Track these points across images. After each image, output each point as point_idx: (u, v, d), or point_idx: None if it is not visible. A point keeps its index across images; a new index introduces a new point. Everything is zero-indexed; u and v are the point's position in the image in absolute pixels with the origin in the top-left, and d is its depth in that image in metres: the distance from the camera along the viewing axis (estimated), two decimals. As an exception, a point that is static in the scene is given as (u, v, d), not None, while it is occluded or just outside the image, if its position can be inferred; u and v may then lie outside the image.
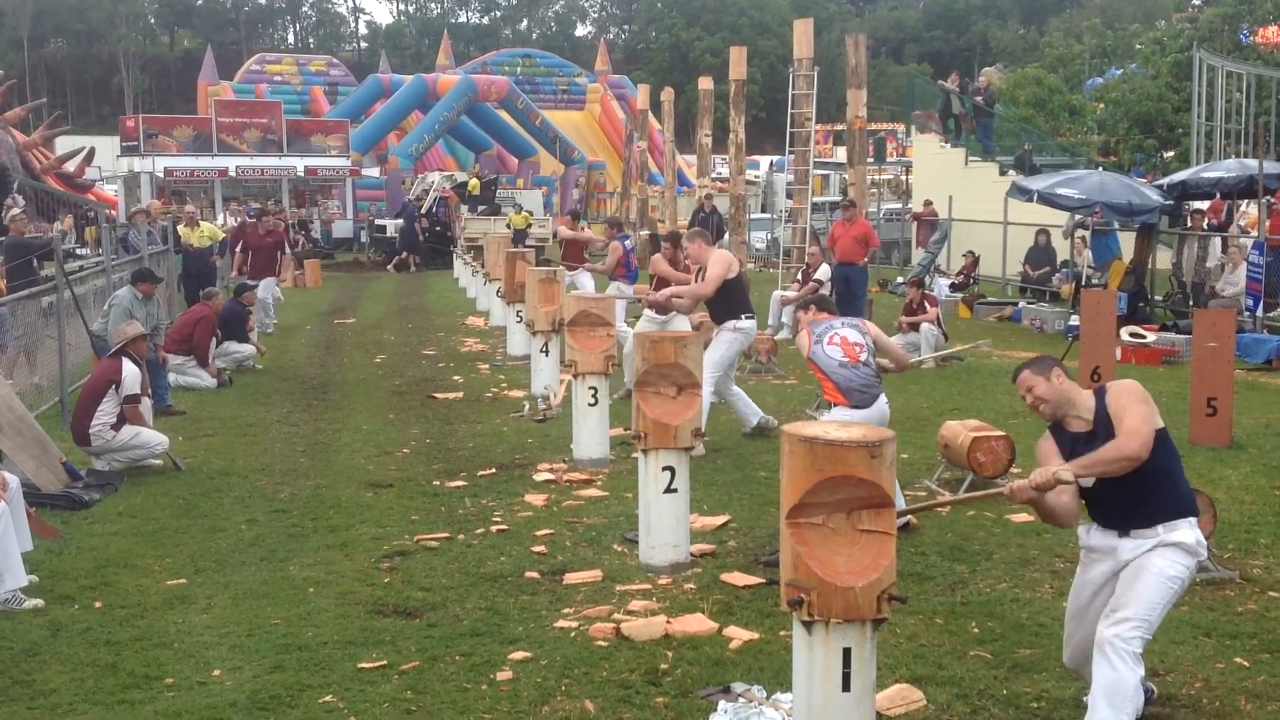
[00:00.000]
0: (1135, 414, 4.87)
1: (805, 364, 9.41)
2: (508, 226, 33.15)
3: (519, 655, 6.07)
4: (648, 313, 12.12)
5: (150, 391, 11.52)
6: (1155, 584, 4.84)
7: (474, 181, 35.68)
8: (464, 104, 46.66)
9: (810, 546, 4.44)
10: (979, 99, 30.01)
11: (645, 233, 29.95)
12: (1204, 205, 21.89)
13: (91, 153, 31.30)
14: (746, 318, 10.82)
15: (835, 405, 7.99)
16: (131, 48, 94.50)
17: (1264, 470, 9.63)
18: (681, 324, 11.79)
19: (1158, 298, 19.98)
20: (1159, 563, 4.88)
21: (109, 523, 8.68)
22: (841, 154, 40.80)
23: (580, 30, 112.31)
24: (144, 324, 11.73)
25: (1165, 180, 21.17)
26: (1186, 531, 4.91)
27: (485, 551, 7.87)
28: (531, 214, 34.46)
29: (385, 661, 6.02)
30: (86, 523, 8.66)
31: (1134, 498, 4.91)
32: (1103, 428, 4.95)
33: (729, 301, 10.77)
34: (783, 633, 6.14)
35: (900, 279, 24.91)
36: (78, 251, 21.92)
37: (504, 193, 40.13)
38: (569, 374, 10.27)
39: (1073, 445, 5.02)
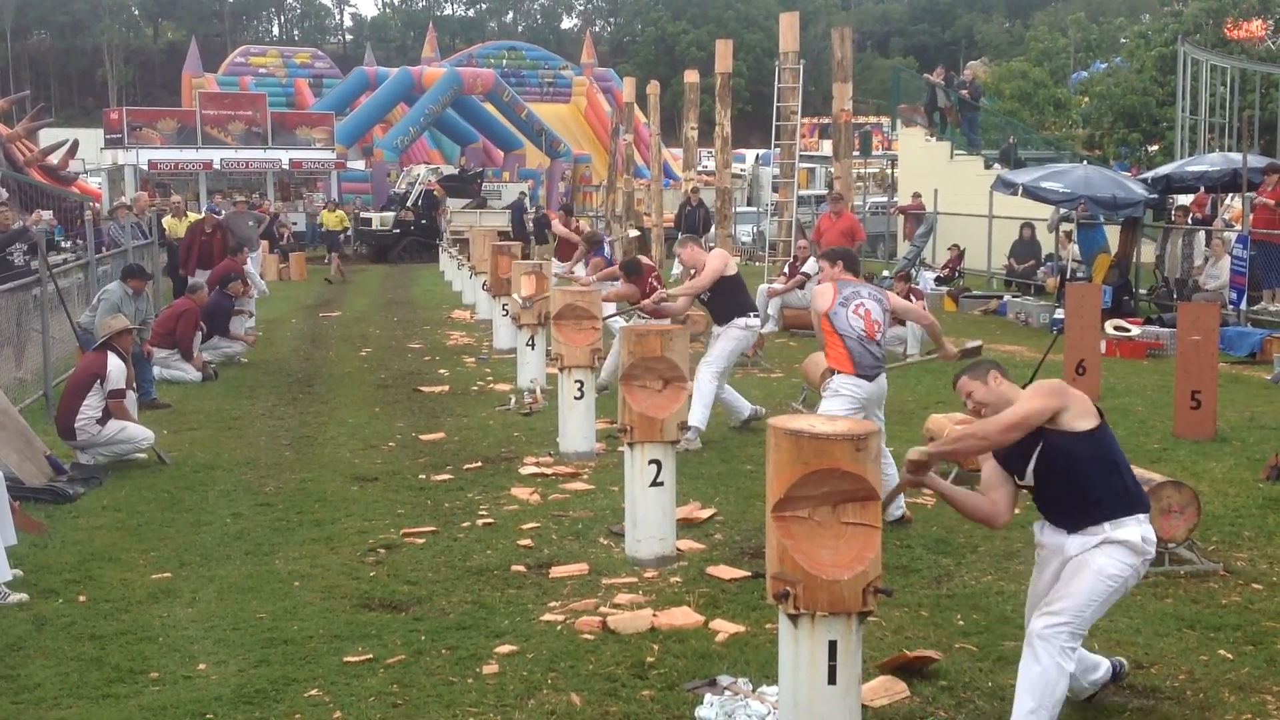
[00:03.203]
0: (1018, 404, 4.90)
1: (797, 347, 9.44)
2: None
3: (505, 649, 6.07)
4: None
5: (135, 385, 11.48)
6: (1092, 581, 4.83)
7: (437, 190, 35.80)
8: (449, 96, 46.59)
9: (796, 540, 4.45)
10: (964, 92, 30.04)
11: (633, 231, 29.89)
12: (1188, 199, 21.96)
13: (75, 145, 31.10)
14: (755, 316, 10.85)
15: (840, 373, 7.97)
16: (115, 39, 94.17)
17: (1247, 463, 9.66)
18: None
19: (1142, 291, 20.04)
20: (1100, 560, 4.85)
21: (93, 516, 8.65)
22: (827, 147, 40.80)
23: (566, 23, 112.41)
24: (132, 319, 11.68)
25: (1150, 174, 21.25)
26: (1133, 529, 4.88)
27: (471, 545, 7.86)
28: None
29: (371, 655, 6.02)
30: (71, 516, 8.63)
31: (1074, 496, 4.91)
32: None
33: (731, 299, 10.76)
34: (769, 626, 6.14)
35: (886, 272, 24.95)
36: (62, 245, 21.80)
37: (490, 186, 40.09)
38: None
39: (1006, 448, 5.02)
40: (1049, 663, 4.77)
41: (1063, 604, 4.83)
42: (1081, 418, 4.89)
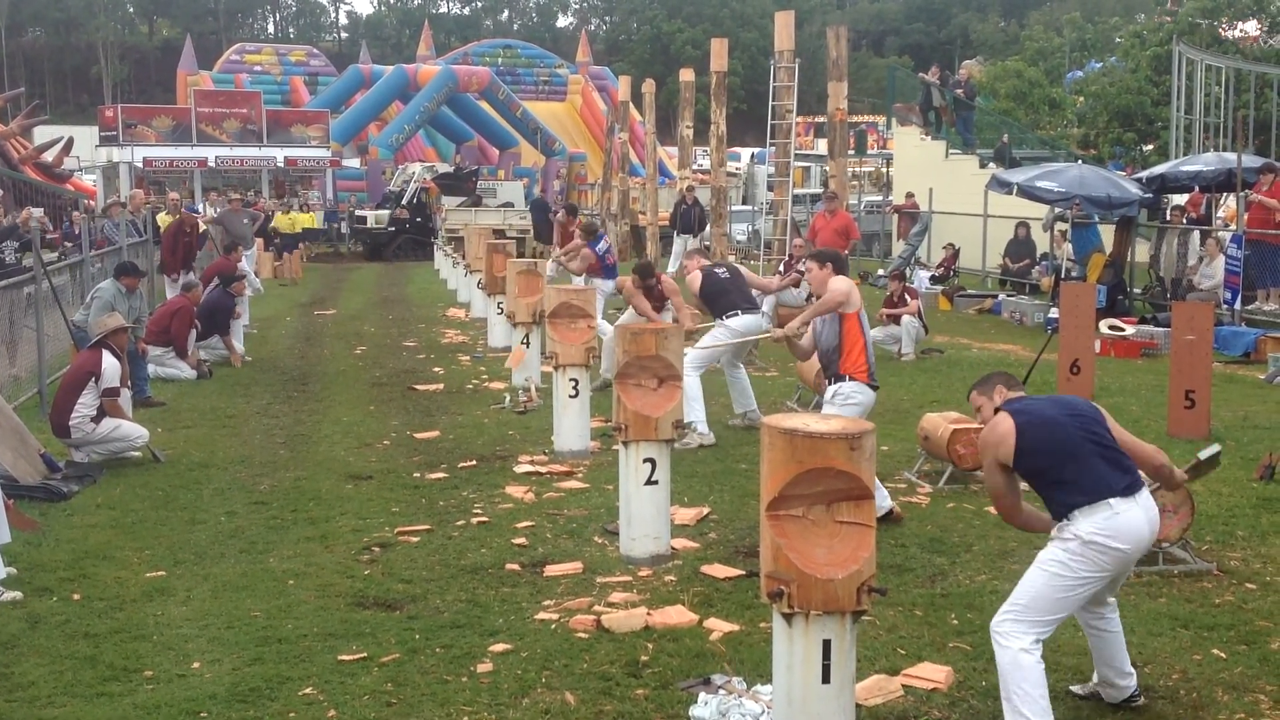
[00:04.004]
0: (987, 479, 5.27)
1: (785, 348, 9.47)
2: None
3: (499, 647, 6.07)
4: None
5: (130, 383, 11.47)
6: (1032, 571, 5.05)
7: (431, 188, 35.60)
8: (445, 95, 46.52)
9: (790, 538, 4.45)
10: (959, 92, 30.06)
11: (628, 226, 29.93)
12: (1183, 199, 21.97)
13: (70, 143, 31.15)
14: (729, 316, 10.85)
15: (852, 379, 7.98)
16: (110, 37, 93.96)
17: (1241, 463, 9.67)
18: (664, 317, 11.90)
19: (1136, 291, 20.07)
20: (1040, 554, 5.09)
21: (88, 515, 8.64)
22: (822, 146, 40.78)
23: (561, 21, 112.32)
24: (125, 317, 11.67)
25: (1144, 173, 21.26)
26: (1056, 526, 5.08)
27: (466, 543, 7.86)
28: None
29: (365, 654, 6.02)
30: (65, 515, 8.62)
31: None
32: None
33: (712, 304, 11.12)
34: (763, 624, 6.15)
35: (881, 271, 24.97)
36: (64, 243, 21.81)
37: (485, 184, 40.05)
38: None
39: None
40: (1000, 653, 4.94)
41: (1010, 597, 5.05)
42: (1008, 458, 5.07)
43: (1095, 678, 5.42)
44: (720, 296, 11.02)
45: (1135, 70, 33.46)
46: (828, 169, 22.07)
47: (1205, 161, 19.91)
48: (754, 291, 11.72)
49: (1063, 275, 19.17)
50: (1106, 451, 5.06)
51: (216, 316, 15.37)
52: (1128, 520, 4.95)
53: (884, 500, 7.97)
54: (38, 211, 19.68)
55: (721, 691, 5.41)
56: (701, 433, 10.47)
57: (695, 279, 11.20)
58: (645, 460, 7.39)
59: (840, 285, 8.07)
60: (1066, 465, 5.00)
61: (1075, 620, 5.33)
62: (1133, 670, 5.35)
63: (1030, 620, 4.92)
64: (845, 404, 7.90)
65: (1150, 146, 32.76)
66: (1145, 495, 5.06)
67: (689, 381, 10.52)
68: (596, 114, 54.39)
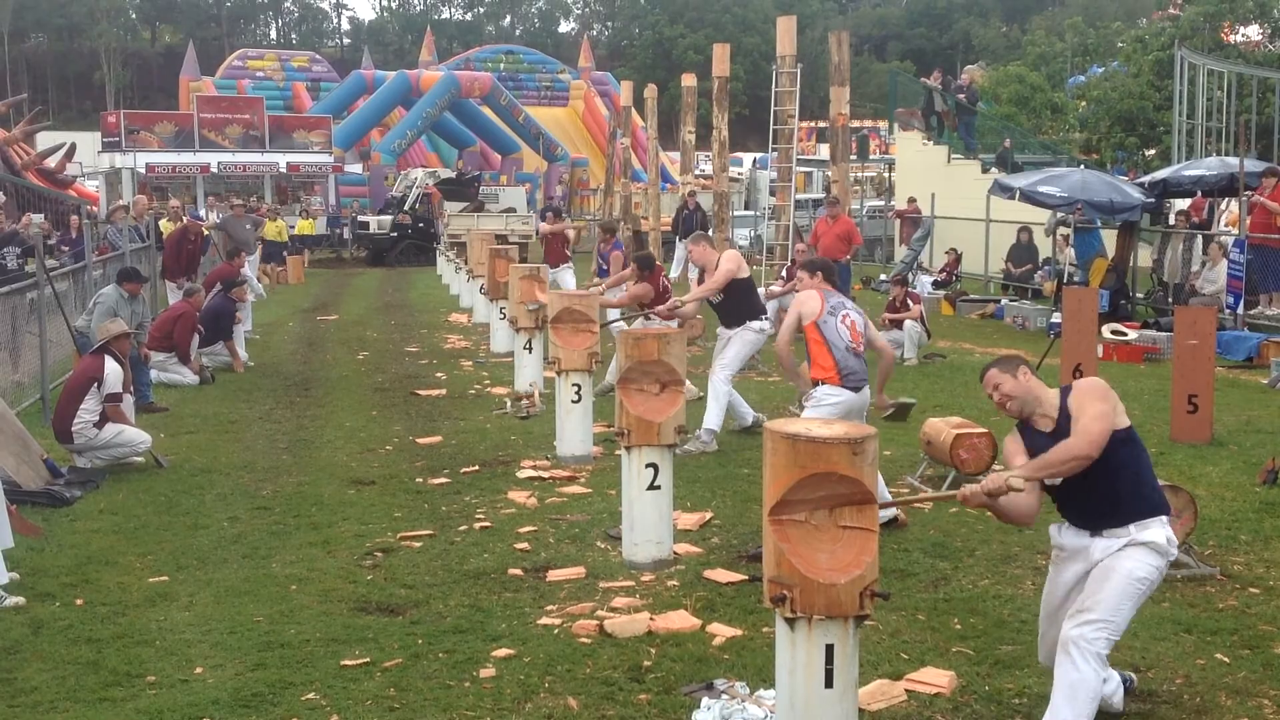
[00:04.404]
0: (1091, 413, 4.89)
1: (794, 350, 9.47)
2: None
3: (502, 652, 6.06)
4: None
5: (132, 388, 11.47)
6: (1122, 585, 4.83)
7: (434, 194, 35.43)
8: (447, 100, 46.59)
9: (793, 543, 4.45)
10: (961, 96, 30.10)
11: (630, 231, 29.93)
12: (1185, 204, 21.97)
13: (72, 149, 31.06)
14: (766, 319, 10.83)
15: (823, 383, 8.01)
16: (113, 43, 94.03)
17: (1244, 467, 9.66)
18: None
19: (1139, 295, 20.06)
20: (1128, 564, 4.86)
21: (90, 520, 8.64)
22: (824, 151, 40.84)
23: (563, 27, 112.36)
24: (128, 322, 11.67)
25: (1147, 178, 21.26)
26: (1157, 530, 4.89)
27: (468, 548, 7.86)
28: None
29: (368, 659, 6.01)
30: (68, 520, 8.62)
31: (1102, 496, 4.91)
32: (1065, 426, 4.97)
33: (745, 301, 10.83)
34: (765, 629, 6.14)
35: (883, 276, 24.98)
36: (60, 248, 21.78)
37: (487, 189, 40.08)
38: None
39: (1039, 444, 5.02)
40: (1086, 669, 4.76)
41: (1096, 611, 4.82)
42: (1121, 416, 4.97)
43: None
44: (749, 296, 10.88)
45: (1137, 75, 33.45)
46: (830, 174, 22.12)
47: (1208, 166, 19.91)
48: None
49: (1065, 280, 19.16)
50: None
51: (219, 322, 15.37)
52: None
53: (888, 511, 7.98)
54: (37, 218, 19.68)
55: (724, 696, 5.41)
56: (705, 440, 10.46)
57: (734, 258, 10.82)
58: (648, 465, 7.39)
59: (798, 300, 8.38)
60: (1148, 465, 4.98)
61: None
62: (1109, 672, 5.29)
63: (1113, 638, 4.82)
64: (817, 406, 7.98)
65: (1152, 151, 32.73)
66: None
67: (725, 390, 10.55)
68: (599, 119, 54.43)
